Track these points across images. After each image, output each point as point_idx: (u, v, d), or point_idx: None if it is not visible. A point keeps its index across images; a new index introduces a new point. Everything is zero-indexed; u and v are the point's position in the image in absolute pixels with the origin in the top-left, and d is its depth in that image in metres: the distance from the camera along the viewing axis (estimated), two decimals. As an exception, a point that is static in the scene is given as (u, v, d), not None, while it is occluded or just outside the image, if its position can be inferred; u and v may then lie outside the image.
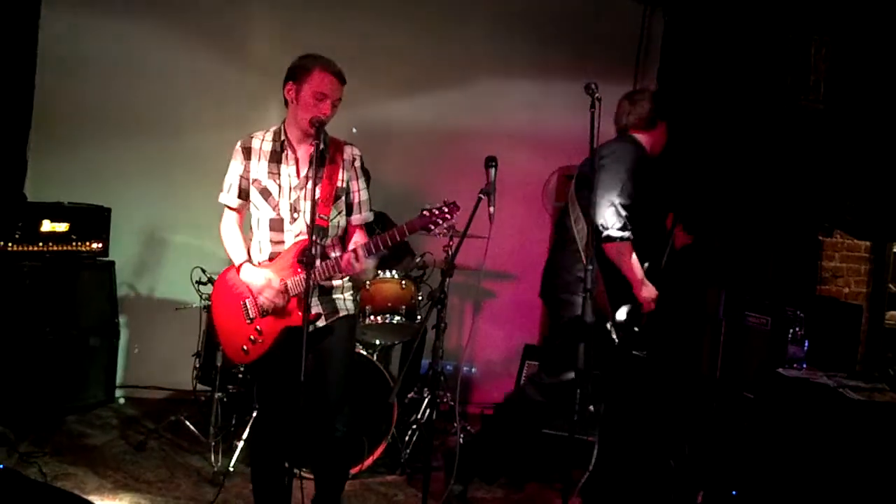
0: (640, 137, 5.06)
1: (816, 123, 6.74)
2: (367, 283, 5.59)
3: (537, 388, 5.07)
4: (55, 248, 6.04)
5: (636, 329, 4.86)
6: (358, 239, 4.11)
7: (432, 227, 3.91)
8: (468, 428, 6.03)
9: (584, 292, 4.04)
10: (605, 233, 4.69)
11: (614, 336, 4.82)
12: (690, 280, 6.55)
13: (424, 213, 3.89)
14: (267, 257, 4.08)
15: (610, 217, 4.68)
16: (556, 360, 4.95)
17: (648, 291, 4.85)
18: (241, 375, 5.63)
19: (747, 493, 4.93)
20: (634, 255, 4.78)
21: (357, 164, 4.18)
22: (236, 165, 4.09)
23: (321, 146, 3.97)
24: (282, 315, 3.99)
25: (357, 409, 5.30)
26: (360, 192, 4.19)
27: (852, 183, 6.50)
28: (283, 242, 4.04)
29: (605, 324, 4.78)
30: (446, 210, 3.87)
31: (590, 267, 4.07)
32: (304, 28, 6.80)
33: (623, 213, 4.70)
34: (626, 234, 4.71)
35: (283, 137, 4.04)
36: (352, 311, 4.19)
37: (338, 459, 4.26)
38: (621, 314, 4.78)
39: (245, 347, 4.06)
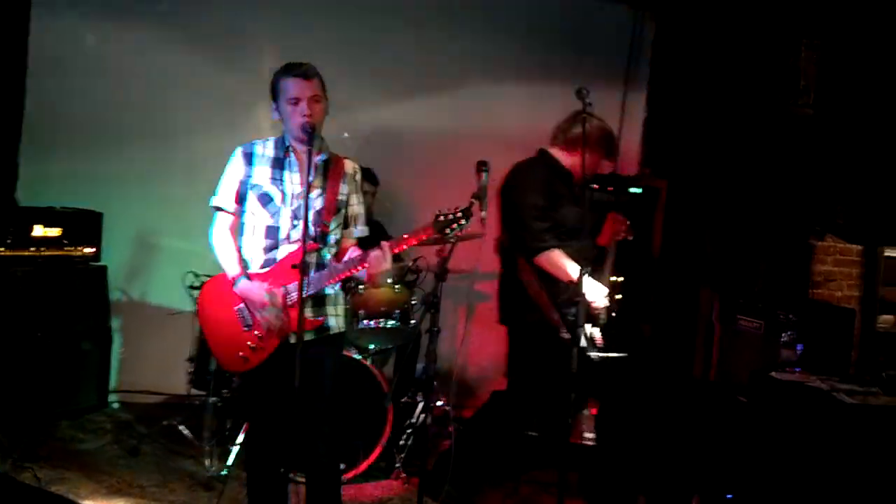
0: (556, 153, 5.07)
1: (807, 128, 6.77)
2: (361, 287, 5.59)
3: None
4: (47, 252, 6.02)
5: (593, 334, 4.84)
6: (354, 251, 4.11)
7: (448, 232, 3.88)
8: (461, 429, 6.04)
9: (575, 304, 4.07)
10: (529, 248, 4.76)
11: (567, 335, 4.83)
12: (683, 284, 6.58)
13: (438, 217, 3.88)
14: (259, 266, 4.02)
15: (527, 234, 4.75)
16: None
17: (593, 293, 4.84)
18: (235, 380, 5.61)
19: (742, 496, 4.94)
20: (566, 260, 4.76)
21: (357, 177, 4.18)
22: (236, 170, 4.03)
23: (324, 154, 4.02)
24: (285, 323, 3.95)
25: (351, 414, 5.33)
26: (356, 206, 4.18)
27: (844, 187, 6.53)
28: (276, 250, 4.00)
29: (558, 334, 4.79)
30: (460, 215, 3.86)
31: (586, 272, 4.08)
32: (297, 35, 6.79)
33: (537, 225, 4.75)
34: (547, 243, 4.75)
35: (286, 144, 4.03)
36: (342, 329, 4.17)
37: (326, 484, 4.20)
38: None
39: (243, 355, 3.98)
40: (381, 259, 3.87)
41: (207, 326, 4.17)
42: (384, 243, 3.87)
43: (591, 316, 4.81)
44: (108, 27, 6.60)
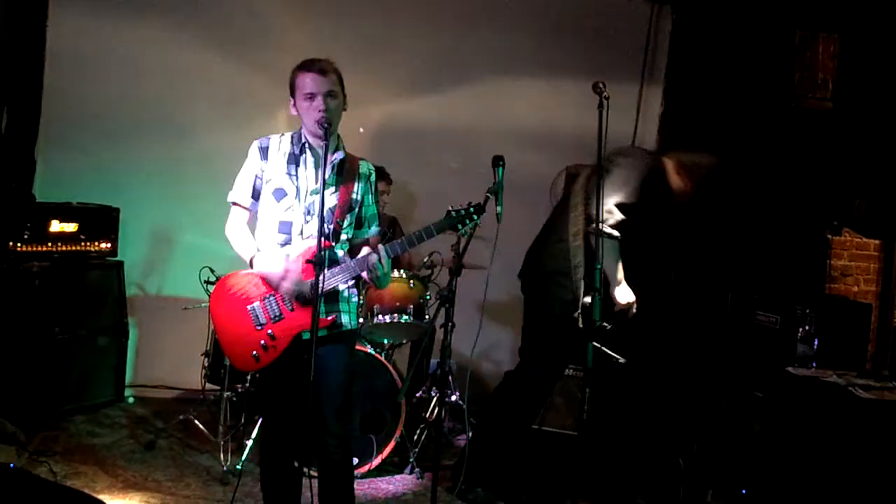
0: (668, 165, 5.05)
1: (825, 121, 6.73)
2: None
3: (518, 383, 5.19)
4: (64, 248, 6.05)
5: (606, 325, 4.80)
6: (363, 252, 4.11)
7: (460, 227, 3.89)
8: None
9: (594, 291, 4.03)
10: (598, 226, 4.64)
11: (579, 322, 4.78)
12: (701, 279, 6.55)
13: (451, 213, 3.90)
14: None
15: (606, 213, 4.68)
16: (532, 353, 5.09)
17: (623, 295, 4.84)
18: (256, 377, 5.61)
19: (757, 491, 4.92)
20: (618, 256, 4.79)
21: (372, 178, 4.16)
22: (252, 165, 4.04)
23: (341, 153, 4.02)
24: (296, 319, 3.96)
25: (365, 409, 5.34)
26: (370, 207, 4.17)
27: (861, 181, 6.49)
28: (290, 245, 4.00)
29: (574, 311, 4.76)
30: (472, 210, 3.88)
31: (598, 265, 4.06)
32: (311, 30, 6.81)
33: (618, 213, 4.73)
34: (616, 232, 4.75)
35: (303, 140, 4.03)
36: (354, 326, 4.16)
37: (338, 479, 4.18)
38: (587, 298, 4.70)
39: (256, 353, 3.97)
40: (377, 264, 3.88)
41: (219, 325, 4.15)
42: (380, 247, 3.89)
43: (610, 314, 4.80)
44: (125, 23, 6.62)
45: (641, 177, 4.86)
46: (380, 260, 3.88)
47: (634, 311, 4.95)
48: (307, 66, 3.96)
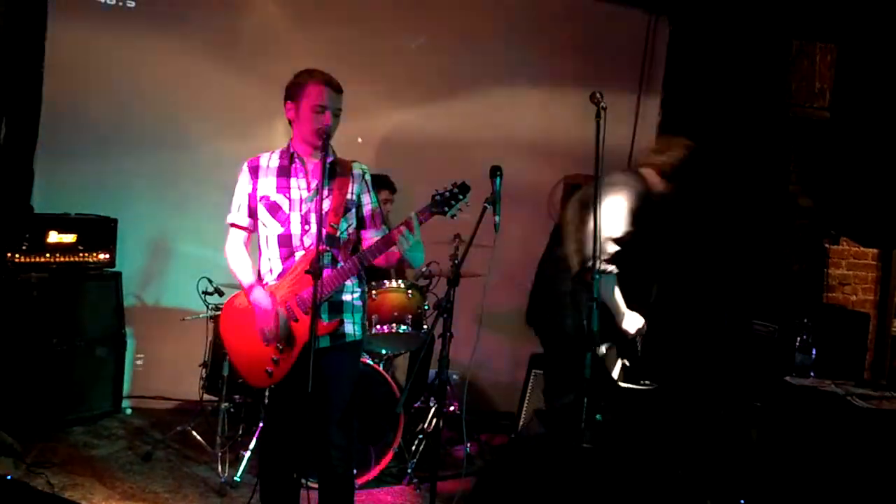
0: (650, 177, 4.84)
1: (822, 131, 6.74)
2: (374, 292, 5.60)
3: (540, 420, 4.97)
4: (62, 259, 6.05)
5: (626, 363, 4.74)
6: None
7: (447, 209, 3.89)
8: (476, 436, 6.04)
9: (591, 301, 4.00)
10: (589, 268, 4.40)
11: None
12: (698, 289, 6.55)
13: (436, 197, 3.89)
14: (276, 277, 4.03)
15: (601, 251, 4.45)
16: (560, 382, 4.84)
17: (631, 324, 4.67)
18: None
19: (755, 501, 4.92)
20: (617, 289, 4.63)
21: (367, 177, 4.16)
22: (244, 185, 4.07)
23: (330, 156, 3.98)
24: (302, 329, 3.93)
25: (363, 419, 5.33)
26: (370, 205, 4.16)
27: (859, 190, 6.50)
28: (293, 257, 4.00)
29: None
30: (457, 190, 3.88)
31: (596, 276, 4.02)
32: (311, 41, 6.81)
33: (613, 247, 4.53)
34: (612, 268, 4.55)
35: (291, 152, 4.04)
36: (358, 337, 4.14)
37: (339, 491, 4.17)
38: (601, 350, 4.63)
39: (268, 370, 3.99)
40: (406, 235, 3.83)
41: (232, 347, 4.19)
42: (408, 217, 3.86)
43: (625, 346, 4.73)
44: (124, 35, 6.61)
45: (632, 206, 4.63)
46: (410, 231, 3.83)
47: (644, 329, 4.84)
48: (322, 77, 3.96)
